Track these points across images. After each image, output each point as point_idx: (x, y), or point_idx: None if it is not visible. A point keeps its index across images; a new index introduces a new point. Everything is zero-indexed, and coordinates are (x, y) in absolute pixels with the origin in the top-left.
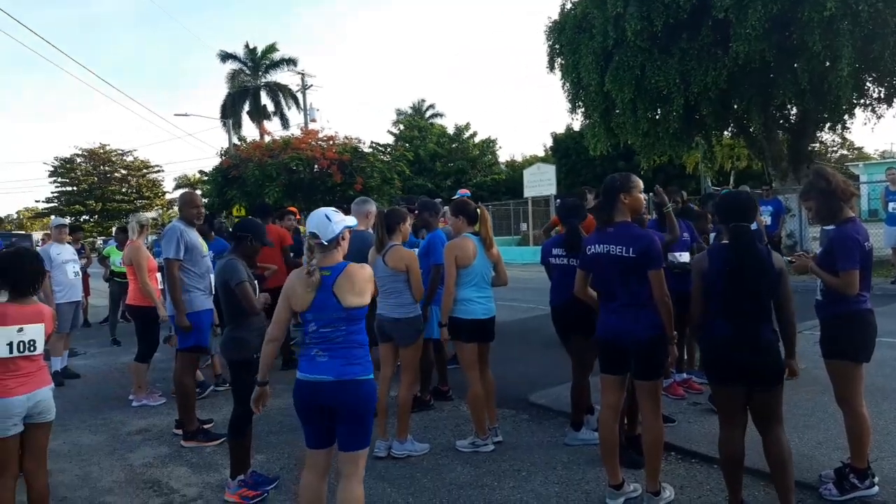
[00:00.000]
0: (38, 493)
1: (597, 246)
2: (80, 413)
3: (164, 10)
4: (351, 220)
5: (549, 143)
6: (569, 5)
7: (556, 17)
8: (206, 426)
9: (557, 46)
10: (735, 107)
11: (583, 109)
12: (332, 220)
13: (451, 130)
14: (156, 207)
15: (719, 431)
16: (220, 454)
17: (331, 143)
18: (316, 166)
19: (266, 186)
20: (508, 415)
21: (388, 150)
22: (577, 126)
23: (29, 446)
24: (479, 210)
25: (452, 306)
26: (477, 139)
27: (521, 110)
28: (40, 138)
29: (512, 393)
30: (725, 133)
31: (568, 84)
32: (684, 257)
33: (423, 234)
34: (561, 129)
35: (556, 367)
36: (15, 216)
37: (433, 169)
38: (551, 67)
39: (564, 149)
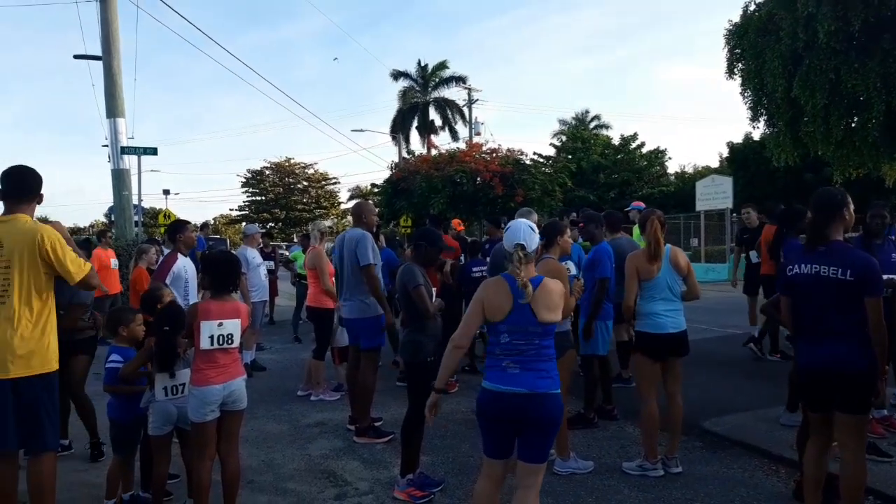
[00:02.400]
0: (231, 473)
1: (802, 266)
2: (266, 403)
3: (345, 32)
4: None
5: (725, 153)
6: (752, 7)
7: (737, 19)
8: (375, 423)
9: (738, 51)
10: None
11: (766, 117)
12: (535, 232)
13: (616, 141)
14: (331, 217)
15: None
16: (388, 452)
17: (494, 155)
18: (479, 178)
19: (432, 198)
20: (679, 441)
21: (550, 161)
22: (757, 135)
23: (224, 431)
24: (654, 219)
25: (639, 321)
26: (645, 150)
27: (694, 119)
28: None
29: (684, 418)
30: None
31: (749, 90)
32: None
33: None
34: (738, 139)
35: (733, 393)
36: (212, 222)
37: (596, 181)
38: (731, 73)
39: (742, 159)
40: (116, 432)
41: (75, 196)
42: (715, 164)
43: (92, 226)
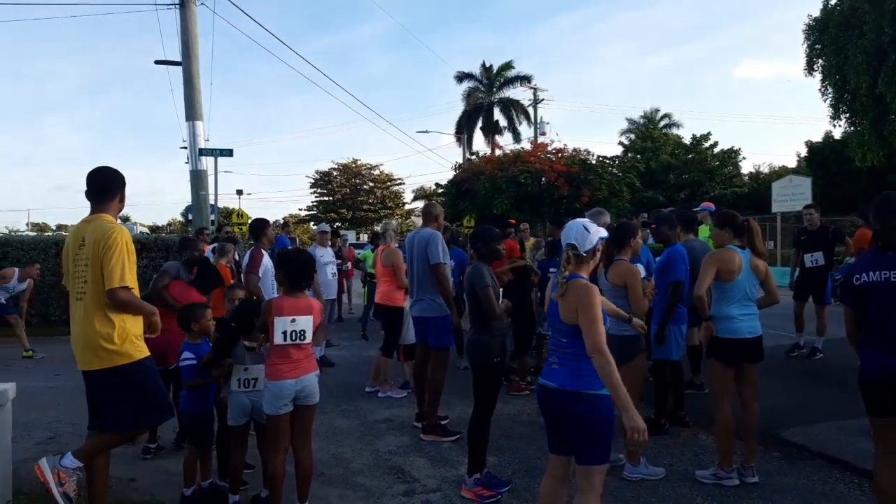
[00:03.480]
0: (305, 465)
1: (871, 273)
2: (335, 399)
3: (410, 33)
4: (604, 232)
5: (803, 152)
6: (833, 1)
7: (816, 13)
8: (442, 422)
9: (818, 46)
10: None
11: (848, 115)
12: (590, 232)
13: (687, 141)
14: (396, 217)
15: None
16: (455, 450)
17: (559, 155)
18: (543, 179)
19: (495, 198)
20: (756, 450)
21: (617, 161)
22: (838, 133)
23: (297, 425)
24: (747, 223)
25: (717, 324)
26: (717, 149)
27: (770, 118)
28: (305, 154)
29: (760, 427)
30: None
31: (830, 87)
32: None
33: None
34: (818, 137)
35: (812, 402)
36: (281, 221)
37: (666, 181)
38: (810, 69)
39: (821, 159)
40: (190, 424)
41: (154, 196)
42: (792, 164)
43: (169, 224)
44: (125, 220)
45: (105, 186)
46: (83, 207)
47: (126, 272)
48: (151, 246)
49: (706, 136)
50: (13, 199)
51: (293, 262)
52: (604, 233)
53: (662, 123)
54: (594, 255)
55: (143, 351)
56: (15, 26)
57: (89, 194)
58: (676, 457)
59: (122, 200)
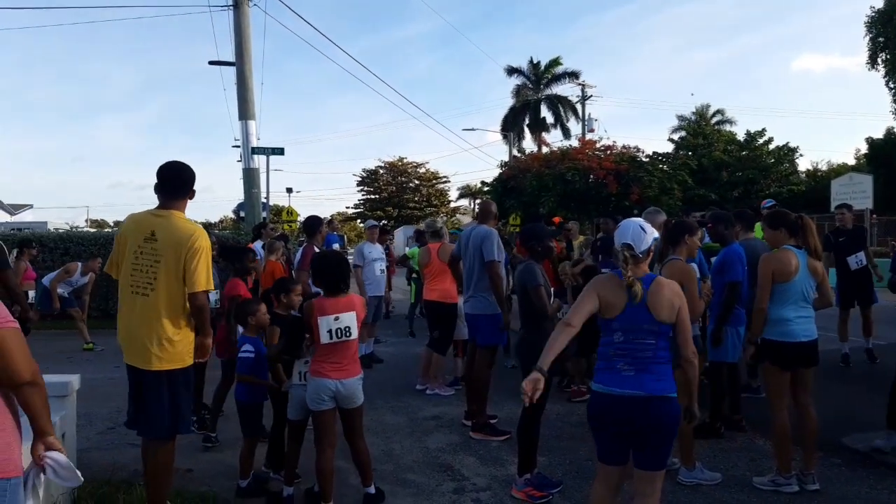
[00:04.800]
0: (359, 454)
1: None
2: (384, 395)
3: (456, 30)
4: (656, 233)
5: (864, 149)
6: None
7: (880, 5)
8: (491, 421)
9: (881, 39)
10: None
11: None
12: (646, 232)
13: (741, 137)
14: (441, 215)
15: None
16: (505, 450)
17: (608, 152)
18: (591, 176)
19: (542, 196)
20: (816, 456)
21: (668, 158)
22: None
23: (346, 424)
24: (801, 220)
25: (767, 327)
26: (772, 146)
27: (828, 113)
28: (352, 152)
29: (820, 433)
30: None
31: (893, 82)
32: None
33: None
34: (879, 134)
35: (874, 409)
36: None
37: (718, 179)
38: (872, 63)
39: (884, 156)
40: (244, 415)
41: (206, 193)
42: (852, 161)
43: (221, 221)
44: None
45: (184, 182)
46: (139, 204)
47: (209, 277)
48: None
49: (761, 133)
50: (73, 196)
51: (327, 266)
52: (656, 234)
53: (715, 120)
54: (648, 257)
55: (192, 357)
56: (73, 29)
57: (161, 188)
58: (733, 461)
59: (191, 198)
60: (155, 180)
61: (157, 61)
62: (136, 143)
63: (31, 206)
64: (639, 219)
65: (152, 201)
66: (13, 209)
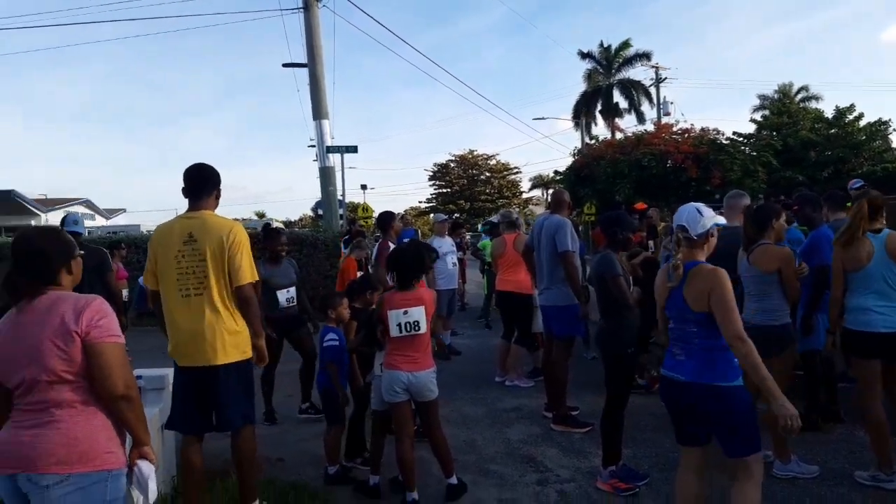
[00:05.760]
0: (437, 446)
1: None
2: (463, 386)
3: (524, 19)
4: (721, 219)
5: None
6: None
7: None
8: (573, 413)
9: None
10: None
11: None
12: (703, 215)
13: (829, 114)
14: (514, 206)
15: None
16: (587, 442)
17: (685, 136)
18: (669, 161)
19: (617, 183)
20: None
21: (751, 140)
22: None
23: (422, 416)
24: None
25: (847, 316)
26: (863, 122)
27: None
28: (423, 147)
29: None
30: None
31: None
32: None
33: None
34: None
35: None
36: (402, 213)
37: (806, 159)
38: None
39: None
40: (327, 403)
41: (284, 193)
42: None
43: (300, 219)
44: (261, 216)
45: (201, 180)
46: (222, 207)
47: (253, 269)
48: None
49: (850, 109)
50: (159, 199)
51: (402, 257)
52: (720, 219)
53: (799, 97)
54: (707, 241)
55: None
56: (151, 39)
57: (188, 191)
58: (831, 454)
59: (218, 197)
60: (224, 183)
61: (235, 66)
62: (218, 145)
63: (124, 210)
64: (699, 203)
65: (232, 200)
66: (109, 213)
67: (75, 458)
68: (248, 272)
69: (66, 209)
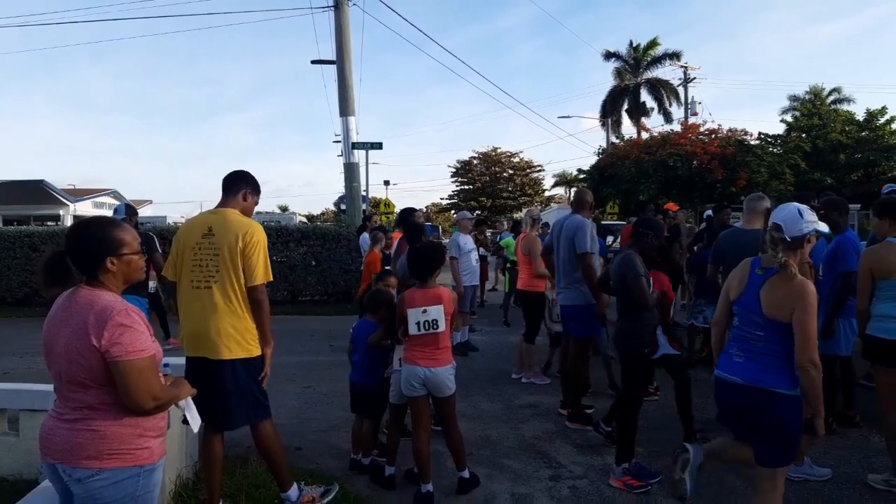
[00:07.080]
0: (450, 440)
1: None
2: (480, 382)
3: (553, 18)
4: (823, 227)
5: None
6: None
7: None
8: (587, 411)
9: None
10: None
11: None
12: (803, 218)
13: (860, 117)
14: (536, 204)
15: None
16: (601, 440)
17: (713, 136)
18: (695, 162)
19: (641, 183)
20: None
21: (779, 141)
22: None
23: (438, 412)
24: None
25: (871, 323)
26: (895, 125)
27: None
28: (447, 144)
29: None
30: None
31: None
32: None
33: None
34: None
35: None
36: (424, 210)
37: (835, 161)
38: None
39: None
40: (355, 394)
41: (307, 188)
42: None
43: (323, 213)
44: (283, 209)
45: (228, 181)
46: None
47: (268, 270)
48: (310, 234)
49: (882, 111)
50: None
51: (419, 255)
52: (823, 227)
53: (831, 99)
54: (803, 246)
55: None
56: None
57: (223, 190)
58: (845, 458)
59: (246, 198)
60: (257, 176)
61: (266, 63)
62: (247, 139)
63: (150, 202)
64: (801, 204)
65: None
66: (136, 205)
67: (106, 454)
68: (262, 273)
69: (94, 199)
